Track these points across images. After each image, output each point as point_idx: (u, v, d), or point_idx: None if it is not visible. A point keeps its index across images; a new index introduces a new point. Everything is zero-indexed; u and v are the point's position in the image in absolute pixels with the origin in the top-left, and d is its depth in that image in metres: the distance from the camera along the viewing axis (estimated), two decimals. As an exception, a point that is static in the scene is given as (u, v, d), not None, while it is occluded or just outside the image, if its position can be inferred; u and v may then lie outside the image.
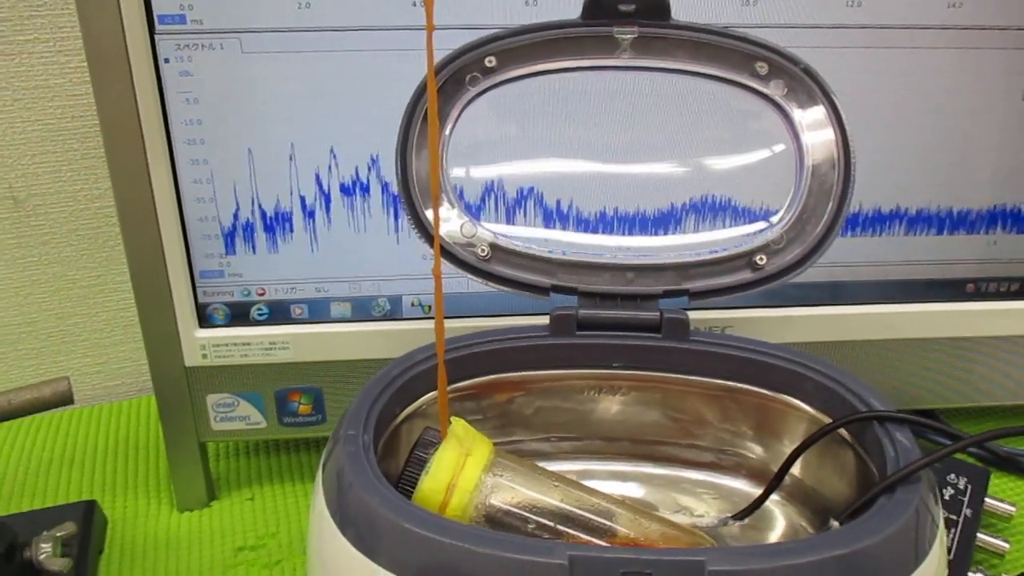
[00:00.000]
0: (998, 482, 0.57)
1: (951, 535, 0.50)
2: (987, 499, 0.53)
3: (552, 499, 0.38)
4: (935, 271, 0.55)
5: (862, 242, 0.53)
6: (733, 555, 0.31)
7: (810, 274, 0.53)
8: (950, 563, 0.48)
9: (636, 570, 0.30)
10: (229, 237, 0.49)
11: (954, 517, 0.51)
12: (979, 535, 0.51)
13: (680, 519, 0.42)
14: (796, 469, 0.42)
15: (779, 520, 0.44)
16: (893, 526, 0.32)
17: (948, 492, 0.53)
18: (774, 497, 0.43)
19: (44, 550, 0.45)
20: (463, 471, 0.37)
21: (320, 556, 0.36)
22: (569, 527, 0.38)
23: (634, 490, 0.46)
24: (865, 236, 0.53)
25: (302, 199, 0.48)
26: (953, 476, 0.54)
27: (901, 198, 0.52)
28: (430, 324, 0.51)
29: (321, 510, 0.36)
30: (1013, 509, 0.53)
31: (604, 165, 0.46)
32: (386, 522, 0.33)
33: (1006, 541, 0.51)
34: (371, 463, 0.35)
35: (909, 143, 0.51)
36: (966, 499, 0.53)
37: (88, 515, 0.51)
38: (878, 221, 0.52)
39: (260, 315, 0.51)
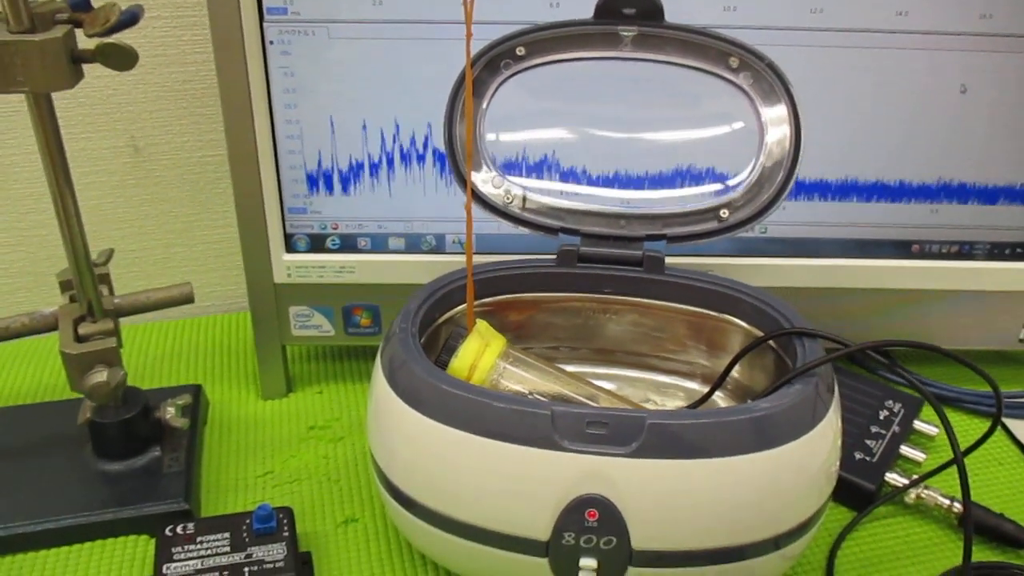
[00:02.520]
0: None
1: (878, 444, 0.62)
2: (916, 422, 0.65)
3: (548, 382, 0.52)
4: (885, 233, 0.64)
5: (822, 206, 0.63)
6: (667, 415, 0.44)
7: (780, 230, 0.64)
8: (872, 464, 0.60)
9: (597, 420, 0.43)
10: (312, 182, 0.62)
11: (884, 432, 0.63)
12: (903, 447, 0.62)
13: (648, 406, 0.55)
14: (735, 372, 0.55)
15: (724, 412, 0.56)
16: (790, 401, 0.45)
17: (883, 413, 0.65)
18: (718, 393, 0.56)
19: (169, 411, 0.59)
20: (482, 357, 0.50)
21: (379, 414, 0.49)
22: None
23: (614, 387, 0.59)
24: (825, 201, 0.63)
25: (369, 157, 0.61)
26: (891, 401, 0.66)
27: (855, 171, 0.62)
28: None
29: (380, 382, 0.49)
30: (936, 431, 0.64)
31: (606, 134, 0.58)
32: (427, 385, 0.46)
33: (924, 452, 0.62)
34: (417, 347, 0.49)
35: (863, 127, 0.60)
36: (897, 419, 0.65)
37: (197, 393, 0.65)
38: (836, 189, 0.63)
39: (333, 244, 0.64)
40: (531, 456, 0.43)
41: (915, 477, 0.59)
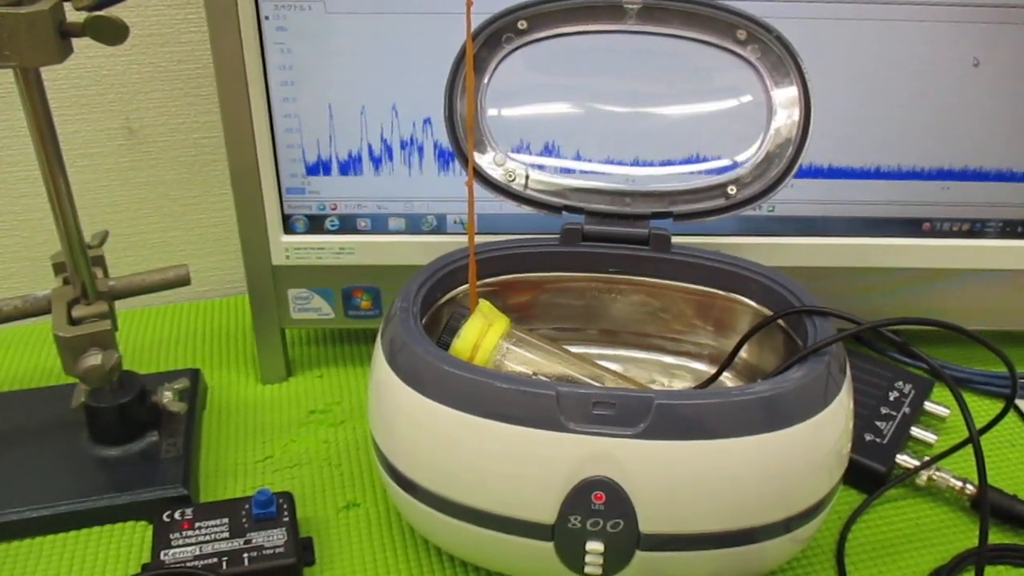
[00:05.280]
0: (945, 392, 0.67)
1: (889, 425, 0.61)
2: (927, 403, 0.64)
3: (553, 362, 0.50)
4: (895, 210, 0.63)
5: (830, 184, 0.61)
6: (676, 394, 0.42)
7: (787, 208, 0.63)
8: (883, 446, 0.59)
9: (604, 401, 0.42)
10: (309, 162, 0.61)
11: (894, 413, 0.62)
12: (913, 428, 0.61)
13: (654, 387, 0.54)
14: (743, 352, 0.53)
15: (732, 392, 0.55)
16: (801, 381, 0.43)
17: (893, 394, 0.64)
18: (726, 374, 0.54)
19: (167, 396, 0.58)
20: (485, 337, 0.49)
21: (379, 397, 0.48)
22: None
23: (620, 369, 0.57)
24: (833, 179, 0.61)
25: (367, 134, 0.59)
26: (900, 383, 0.65)
27: (865, 147, 0.60)
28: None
29: (380, 363, 0.48)
30: (947, 412, 0.63)
31: (611, 109, 0.56)
32: (428, 366, 0.45)
33: (935, 434, 0.61)
34: (418, 326, 0.47)
35: (872, 101, 0.59)
36: (907, 400, 0.63)
37: (195, 377, 0.64)
38: (844, 165, 0.61)
39: (332, 225, 0.63)
40: (536, 438, 0.42)
41: (927, 459, 0.58)
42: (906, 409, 0.63)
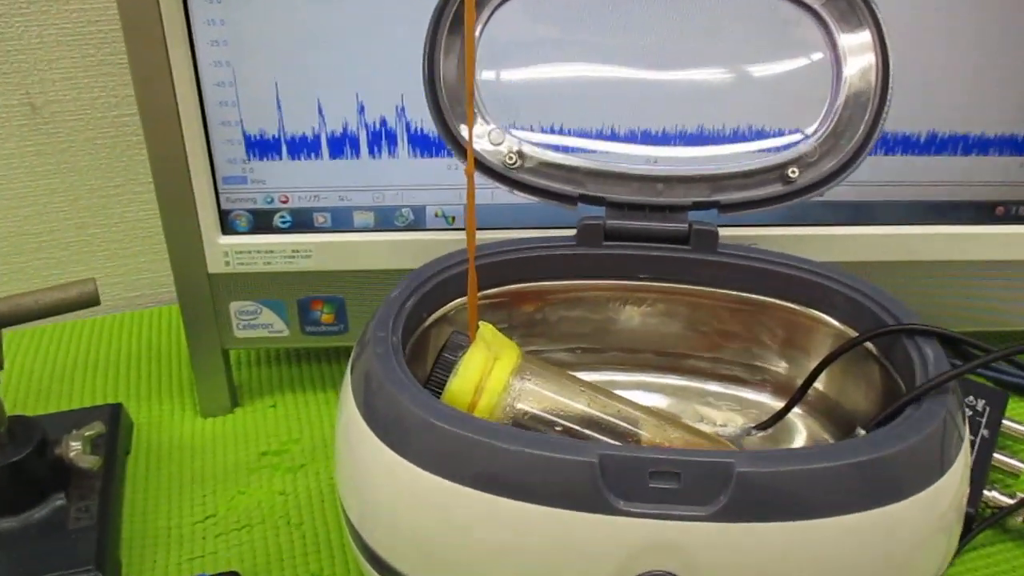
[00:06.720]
0: (1016, 405, 0.58)
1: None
2: (1004, 421, 0.54)
3: (579, 404, 0.39)
4: (964, 192, 0.54)
5: (890, 161, 0.52)
6: (762, 458, 0.31)
7: (838, 193, 0.52)
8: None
9: (664, 469, 0.31)
10: (252, 142, 0.49)
11: (972, 438, 0.52)
12: (995, 455, 0.51)
13: (703, 427, 0.43)
14: (820, 382, 0.43)
15: (801, 432, 0.44)
16: (921, 435, 0.33)
17: (967, 413, 0.54)
18: (796, 410, 0.44)
19: (74, 448, 0.46)
20: (491, 374, 0.38)
21: (349, 454, 0.37)
22: (595, 431, 0.38)
23: (656, 401, 0.47)
24: (893, 155, 0.52)
25: (323, 109, 0.48)
26: (971, 398, 0.55)
27: (933, 117, 0.51)
28: (453, 235, 0.51)
29: (350, 409, 0.36)
30: (1030, 431, 0.54)
31: (636, 72, 0.46)
32: (415, 419, 0.33)
33: (1022, 462, 0.51)
34: (400, 363, 0.36)
35: (946, 64, 0.49)
36: (984, 420, 0.53)
37: (115, 417, 0.52)
38: (907, 140, 0.52)
39: (283, 223, 0.51)
40: (571, 522, 0.31)
41: (1022, 496, 0.48)
42: (984, 432, 0.52)
